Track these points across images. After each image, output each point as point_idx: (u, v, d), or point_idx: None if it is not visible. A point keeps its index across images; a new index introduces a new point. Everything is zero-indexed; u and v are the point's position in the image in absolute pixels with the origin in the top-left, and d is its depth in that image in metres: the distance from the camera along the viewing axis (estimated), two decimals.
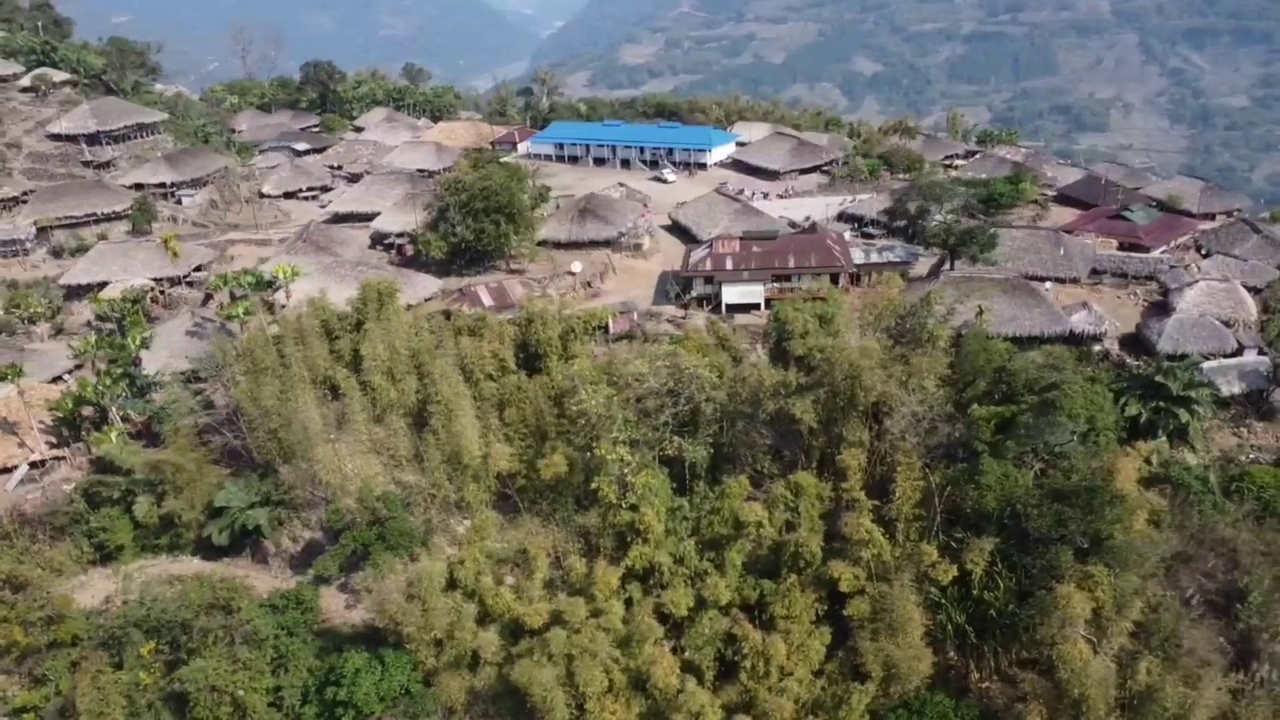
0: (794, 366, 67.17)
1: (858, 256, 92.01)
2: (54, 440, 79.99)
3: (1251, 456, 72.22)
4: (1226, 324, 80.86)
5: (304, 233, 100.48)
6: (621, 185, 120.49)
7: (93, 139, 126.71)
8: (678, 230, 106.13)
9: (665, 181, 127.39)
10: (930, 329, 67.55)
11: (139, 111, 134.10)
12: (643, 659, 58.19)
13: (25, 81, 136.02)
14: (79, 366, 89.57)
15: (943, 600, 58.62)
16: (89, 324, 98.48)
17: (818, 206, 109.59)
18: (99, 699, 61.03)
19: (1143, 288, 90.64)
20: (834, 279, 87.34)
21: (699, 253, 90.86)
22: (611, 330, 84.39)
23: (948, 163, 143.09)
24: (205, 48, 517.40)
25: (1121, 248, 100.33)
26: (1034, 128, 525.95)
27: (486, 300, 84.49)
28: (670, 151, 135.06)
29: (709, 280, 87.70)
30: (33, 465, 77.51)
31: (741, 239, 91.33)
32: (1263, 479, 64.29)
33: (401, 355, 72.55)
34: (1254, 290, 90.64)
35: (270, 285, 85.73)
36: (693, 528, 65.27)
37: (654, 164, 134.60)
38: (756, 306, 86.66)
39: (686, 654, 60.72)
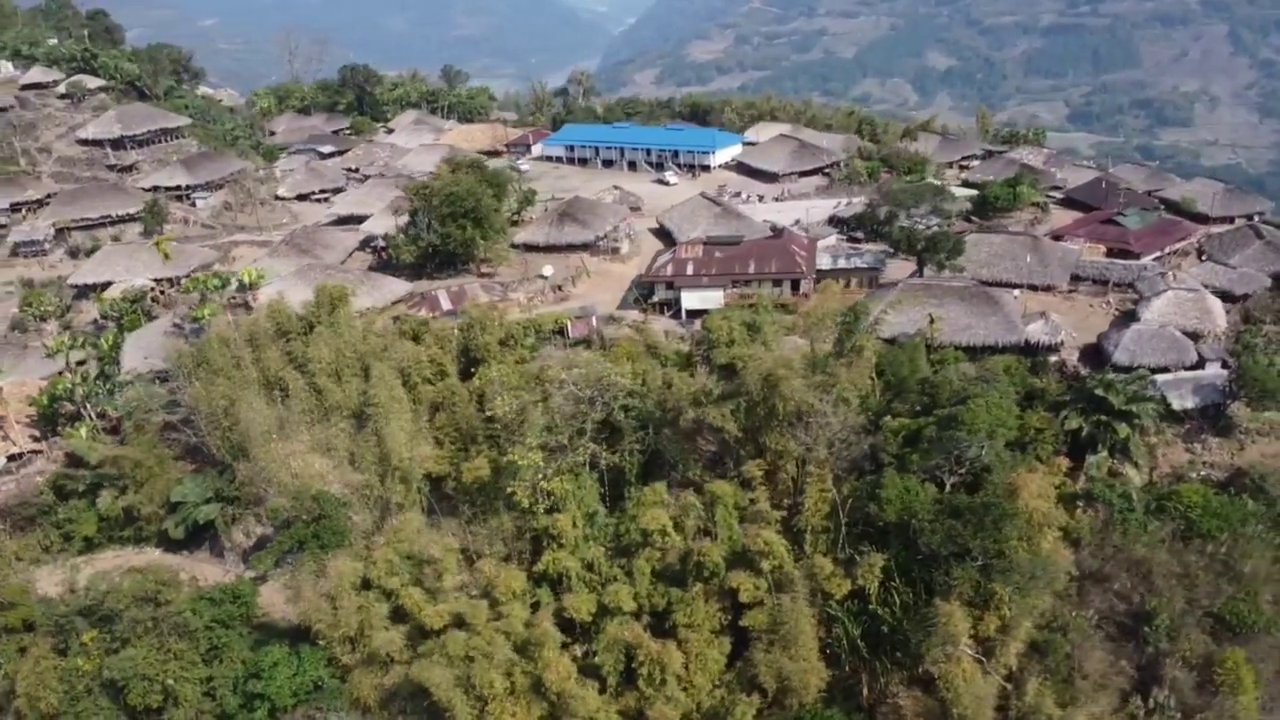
0: (716, 375, 67.25)
1: (825, 262, 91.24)
2: (36, 434, 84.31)
3: (1202, 473, 69.92)
4: (1193, 335, 78.22)
5: (291, 236, 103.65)
6: (616, 188, 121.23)
7: (117, 143, 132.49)
8: (663, 234, 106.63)
9: (667, 184, 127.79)
10: (854, 339, 66.90)
11: (163, 116, 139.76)
12: (540, 663, 59.03)
13: (62, 89, 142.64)
14: (81, 363, 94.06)
15: (839, 614, 58.24)
16: (94, 322, 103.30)
17: (813, 209, 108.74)
18: (36, 683, 64.44)
19: (1119, 296, 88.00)
20: (794, 285, 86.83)
21: (663, 257, 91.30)
22: (570, 335, 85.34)
23: (964, 164, 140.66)
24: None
25: (1111, 253, 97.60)
26: (1113, 123, 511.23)
27: (445, 304, 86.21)
28: (675, 154, 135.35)
29: (670, 285, 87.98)
30: (11, 458, 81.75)
31: (705, 244, 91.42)
32: (1191, 498, 62.18)
33: (348, 358, 74.57)
34: (1239, 299, 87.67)
35: (245, 287, 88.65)
36: (613, 535, 65.88)
37: (659, 166, 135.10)
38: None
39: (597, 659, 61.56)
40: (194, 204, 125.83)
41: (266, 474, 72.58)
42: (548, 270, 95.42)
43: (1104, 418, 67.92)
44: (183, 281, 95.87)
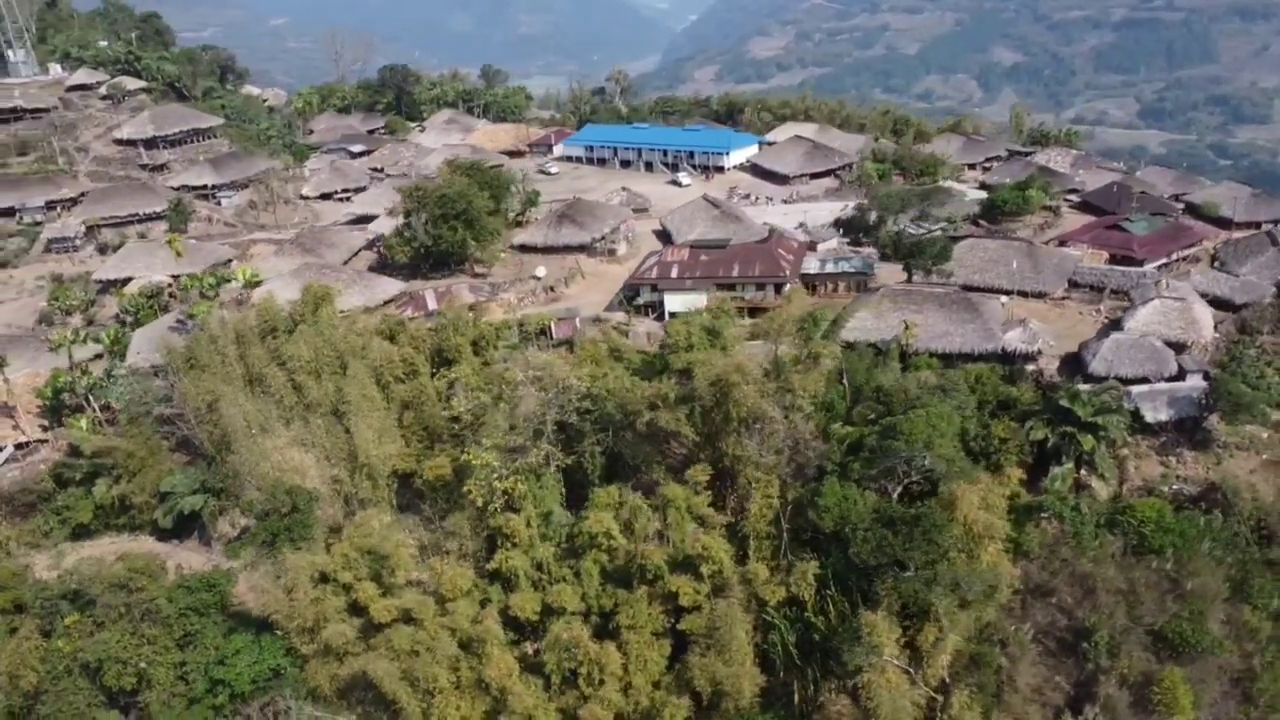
0: (674, 378, 67.75)
1: (813, 266, 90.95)
2: (44, 424, 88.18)
3: (1174, 487, 68.43)
4: (1178, 346, 76.34)
5: (298, 235, 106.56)
6: (624, 189, 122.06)
7: (150, 143, 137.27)
8: (665, 236, 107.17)
9: (680, 185, 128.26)
10: (811, 346, 66.87)
11: (195, 117, 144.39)
12: (483, 659, 60.36)
13: (104, 90, 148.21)
14: (98, 356, 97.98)
15: (776, 620, 58.49)
16: (116, 317, 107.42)
17: (812, 212, 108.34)
18: (18, 662, 67.76)
19: (1111, 304, 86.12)
20: (778, 289, 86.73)
21: (650, 260, 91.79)
22: (554, 335, 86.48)
23: (987, 166, 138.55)
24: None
25: (1114, 260, 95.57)
26: (1186, 120, 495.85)
27: (431, 304, 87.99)
28: (691, 155, 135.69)
29: (654, 288, 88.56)
30: (18, 446, 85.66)
31: (691, 247, 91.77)
32: (1144, 513, 60.95)
33: (327, 356, 76.66)
34: (1240, 308, 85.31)
35: (242, 286, 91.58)
36: (566, 535, 66.87)
37: (675, 167, 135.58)
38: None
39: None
40: (219, 203, 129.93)
41: (246, 467, 75.20)
42: (541, 271, 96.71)
43: (1070, 429, 66.95)
44: (182, 279, 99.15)
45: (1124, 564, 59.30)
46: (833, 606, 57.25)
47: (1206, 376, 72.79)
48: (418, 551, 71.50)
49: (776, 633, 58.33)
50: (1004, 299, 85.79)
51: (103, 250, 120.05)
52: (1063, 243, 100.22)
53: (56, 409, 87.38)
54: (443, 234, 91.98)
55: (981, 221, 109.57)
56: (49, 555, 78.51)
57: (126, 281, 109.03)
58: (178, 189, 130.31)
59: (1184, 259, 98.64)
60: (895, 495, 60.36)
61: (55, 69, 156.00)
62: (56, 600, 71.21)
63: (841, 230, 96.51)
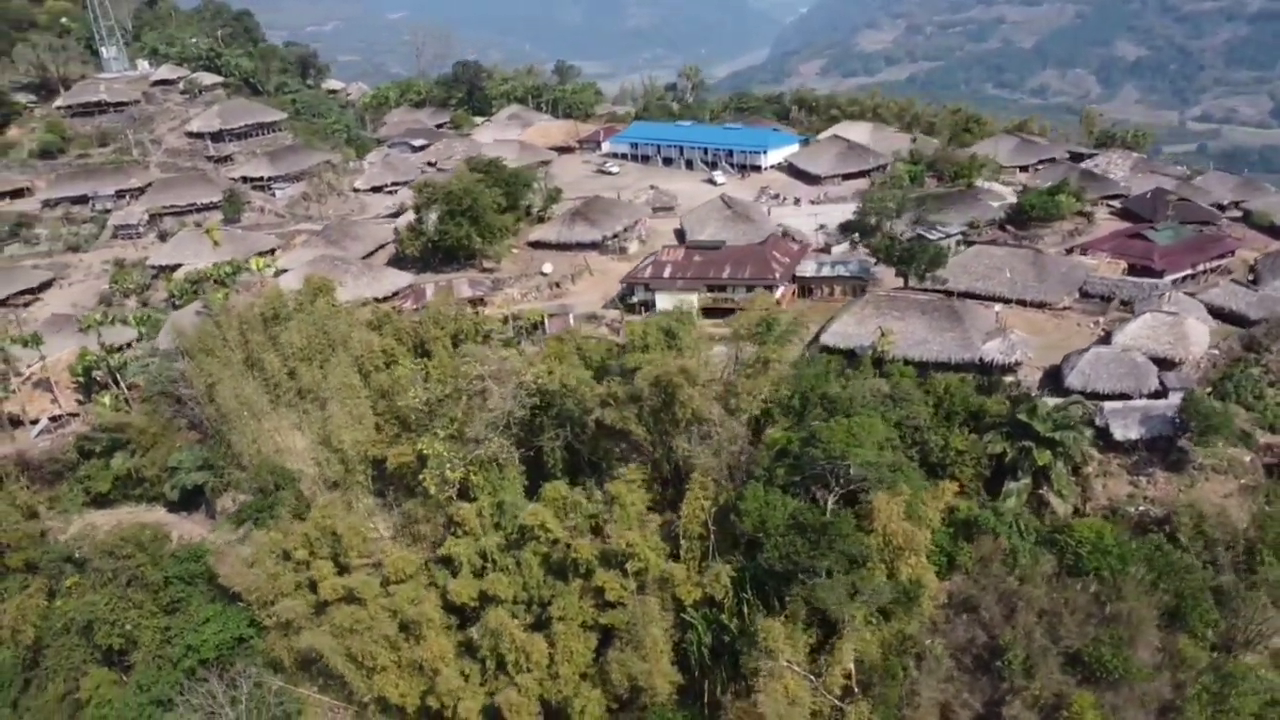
0: (621, 378, 68.83)
1: (809, 269, 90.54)
2: (80, 399, 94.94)
3: (1140, 509, 66.23)
4: (1167, 362, 73.50)
5: (325, 227, 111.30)
6: (653, 187, 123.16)
7: (216, 136, 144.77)
8: (683, 235, 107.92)
9: (715, 184, 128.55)
10: (762, 351, 67.07)
11: (261, 111, 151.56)
12: (419, 641, 62.99)
13: (182, 85, 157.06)
14: (140, 338, 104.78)
15: (695, 620, 59.27)
16: (166, 299, 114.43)
17: (822, 215, 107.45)
18: (19, 617, 73.72)
19: (1113, 316, 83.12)
20: (768, 291, 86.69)
21: (647, 259, 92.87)
22: (547, 331, 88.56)
23: (1038, 168, 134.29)
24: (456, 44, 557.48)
25: (1133, 270, 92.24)
26: None
27: (430, 297, 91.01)
28: (730, 153, 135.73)
29: (647, 287, 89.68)
30: (53, 419, 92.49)
31: (687, 247, 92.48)
32: (1082, 534, 59.33)
33: (318, 344, 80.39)
34: (1254, 323, 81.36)
35: (264, 274, 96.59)
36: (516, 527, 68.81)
37: (714, 165, 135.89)
38: None
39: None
40: (274, 194, 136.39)
41: (239, 447, 79.69)
42: (548, 268, 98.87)
43: (1028, 444, 65.53)
44: (202, 268, 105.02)
45: (1054, 584, 57.97)
46: (748, 609, 57.69)
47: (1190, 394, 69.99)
48: (389, 535, 75.22)
49: (694, 632, 59.08)
50: (998, 308, 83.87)
51: (163, 237, 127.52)
52: (1084, 250, 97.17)
53: (89, 386, 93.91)
54: (448, 229, 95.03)
55: (1009, 227, 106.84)
56: (67, 521, 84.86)
57: (176, 267, 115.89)
58: (237, 180, 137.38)
59: (1213, 270, 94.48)
60: (830, 503, 60.21)
61: (143, 65, 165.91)
62: (61, 563, 77.10)
63: (841, 233, 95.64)
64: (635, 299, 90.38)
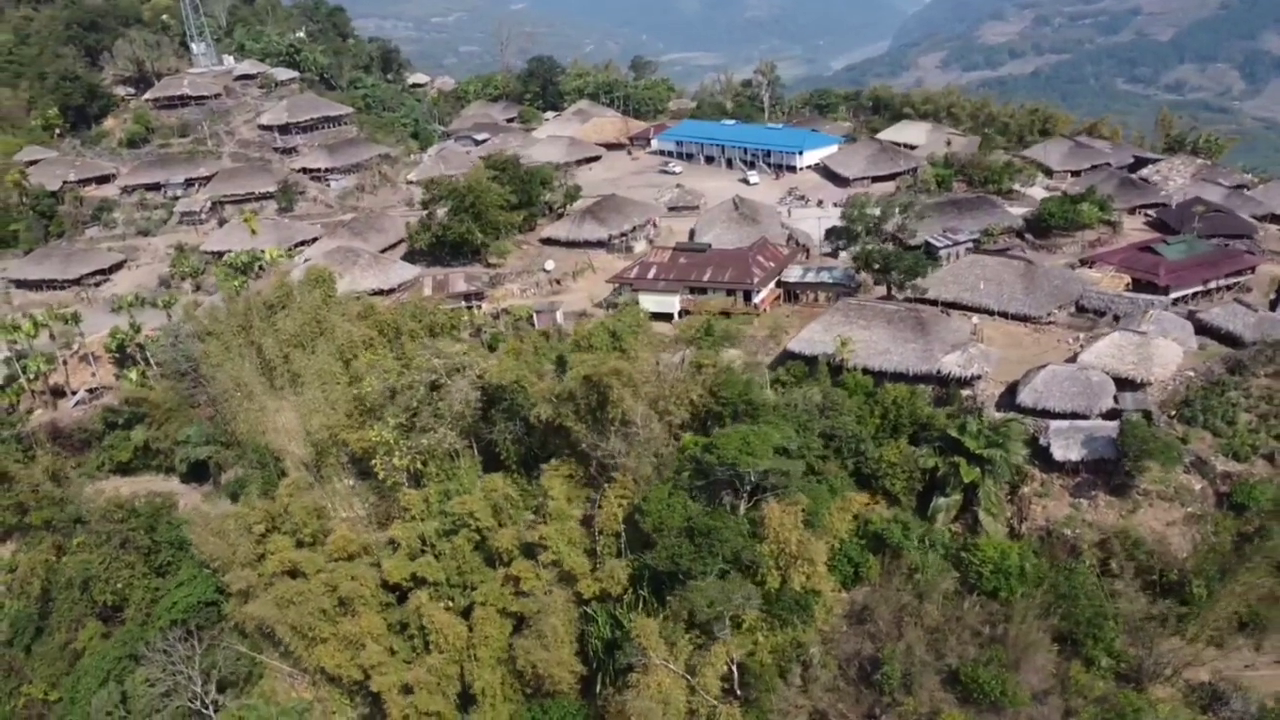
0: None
1: (794, 275, 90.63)
2: (117, 374, 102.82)
3: (1076, 531, 64.80)
4: (1133, 383, 71.16)
5: (351, 219, 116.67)
6: (679, 185, 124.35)
7: (284, 129, 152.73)
8: (694, 236, 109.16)
9: (749, 184, 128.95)
10: (697, 356, 68.23)
11: (328, 105, 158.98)
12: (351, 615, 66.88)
13: (260, 80, 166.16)
14: (170, 320, 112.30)
15: (596, 614, 61.21)
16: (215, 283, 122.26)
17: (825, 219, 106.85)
18: (28, 572, 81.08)
19: (1098, 333, 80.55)
20: (747, 295, 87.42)
21: (637, 260, 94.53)
22: (535, 326, 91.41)
23: (1089, 174, 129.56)
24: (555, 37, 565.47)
25: (1137, 285, 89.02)
26: None
27: (428, 291, 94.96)
28: (767, 153, 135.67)
29: (632, 287, 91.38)
30: (90, 390, 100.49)
31: (674, 249, 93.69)
32: (986, 553, 58.65)
33: (308, 331, 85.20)
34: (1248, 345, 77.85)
35: (291, 260, 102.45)
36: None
37: (752, 164, 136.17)
38: (671, 316, 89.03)
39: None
40: (329, 185, 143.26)
41: (235, 424, 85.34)
42: (550, 264, 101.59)
43: (958, 460, 64.94)
44: (225, 256, 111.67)
45: (951, 601, 57.63)
46: (643, 606, 59.29)
47: (1148, 416, 67.88)
48: (364, 515, 79.48)
49: (594, 625, 61.03)
50: (975, 319, 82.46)
51: (222, 224, 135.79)
52: (1091, 263, 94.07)
53: (123, 361, 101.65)
54: (452, 225, 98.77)
55: (1028, 235, 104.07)
56: (92, 487, 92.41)
57: (226, 253, 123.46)
58: (298, 171, 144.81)
59: (1229, 288, 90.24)
60: (744, 508, 61.15)
61: (228, 60, 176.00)
62: (71, 524, 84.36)
63: (827, 239, 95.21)
64: (622, 299, 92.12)
